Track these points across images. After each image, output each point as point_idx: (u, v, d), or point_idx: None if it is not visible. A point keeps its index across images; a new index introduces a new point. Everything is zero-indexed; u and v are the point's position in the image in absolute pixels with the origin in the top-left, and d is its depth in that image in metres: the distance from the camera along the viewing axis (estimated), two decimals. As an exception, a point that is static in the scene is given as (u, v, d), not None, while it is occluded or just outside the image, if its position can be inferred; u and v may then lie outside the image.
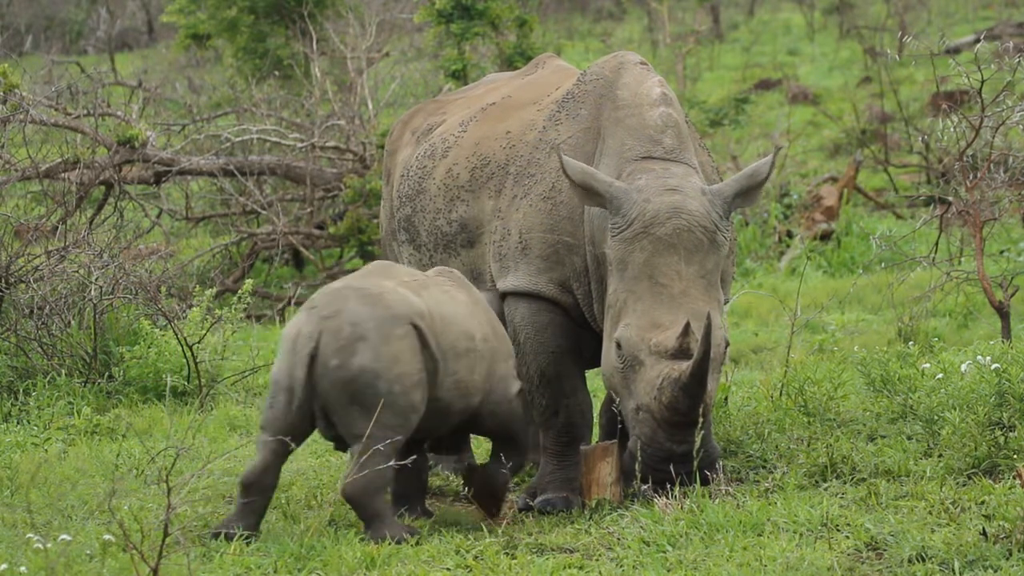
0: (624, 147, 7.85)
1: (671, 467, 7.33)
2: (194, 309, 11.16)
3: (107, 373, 10.71)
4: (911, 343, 10.44)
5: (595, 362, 8.13)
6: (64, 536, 6.44)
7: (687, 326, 7.29)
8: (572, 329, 8.01)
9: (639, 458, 7.37)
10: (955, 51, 23.19)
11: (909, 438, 8.29)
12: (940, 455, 7.85)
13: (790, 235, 17.49)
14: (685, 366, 7.27)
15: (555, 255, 7.94)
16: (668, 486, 7.36)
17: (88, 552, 6.77)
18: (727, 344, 7.58)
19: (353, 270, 16.76)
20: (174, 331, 10.76)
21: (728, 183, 7.72)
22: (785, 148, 19.56)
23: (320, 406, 7.20)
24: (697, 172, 7.82)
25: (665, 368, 7.31)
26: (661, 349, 7.34)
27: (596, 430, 8.49)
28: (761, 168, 7.72)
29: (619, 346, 7.45)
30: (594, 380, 9.70)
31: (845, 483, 7.66)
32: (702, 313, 7.36)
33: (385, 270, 7.58)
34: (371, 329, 7.16)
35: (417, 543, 7.17)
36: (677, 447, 7.33)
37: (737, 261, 15.19)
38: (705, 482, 7.39)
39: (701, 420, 7.33)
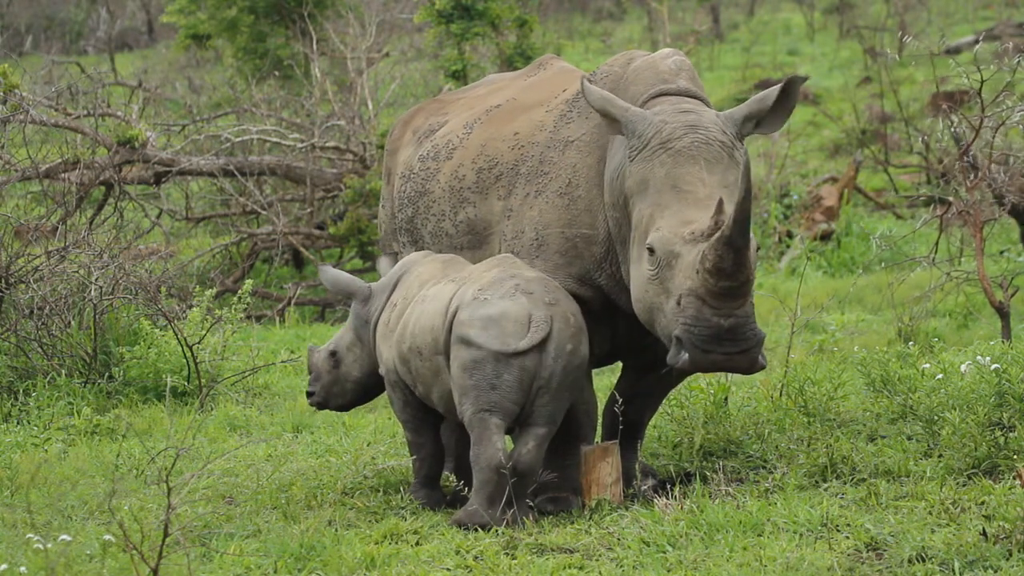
0: (637, 96, 7.92)
1: (720, 348, 7.19)
2: (194, 309, 11.16)
3: (107, 373, 10.71)
4: (911, 343, 10.43)
5: (603, 360, 8.19)
6: (64, 536, 6.43)
7: (720, 202, 7.21)
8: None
9: (687, 343, 7.18)
10: (955, 51, 23.22)
11: (909, 438, 8.29)
12: (940, 455, 7.85)
13: (790, 235, 17.49)
14: (727, 223, 7.13)
15: (573, 249, 7.94)
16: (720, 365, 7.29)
17: (88, 552, 6.77)
18: (758, 247, 7.40)
19: (354, 270, 16.86)
20: (174, 331, 10.76)
21: (738, 107, 7.79)
22: (786, 147, 19.56)
23: (538, 387, 7.44)
24: (712, 110, 7.86)
25: (704, 246, 7.21)
26: (697, 234, 7.27)
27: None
28: (770, 94, 7.72)
29: (651, 252, 7.36)
30: (598, 381, 9.69)
31: (845, 483, 7.65)
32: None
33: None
34: (582, 323, 7.62)
35: (417, 543, 7.17)
36: (724, 320, 7.17)
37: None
38: (752, 365, 7.24)
39: (749, 292, 7.18)
